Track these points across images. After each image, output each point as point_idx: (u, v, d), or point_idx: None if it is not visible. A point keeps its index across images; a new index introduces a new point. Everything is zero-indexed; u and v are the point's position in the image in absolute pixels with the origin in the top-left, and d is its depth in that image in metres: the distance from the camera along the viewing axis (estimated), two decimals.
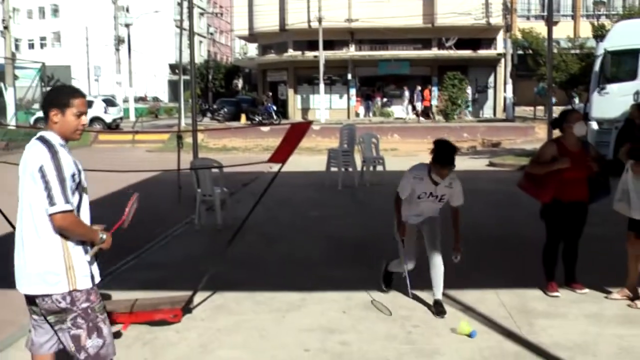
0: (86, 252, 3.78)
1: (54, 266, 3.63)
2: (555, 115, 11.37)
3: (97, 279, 3.86)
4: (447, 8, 38.03)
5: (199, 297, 6.47)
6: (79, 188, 3.76)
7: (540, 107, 37.12)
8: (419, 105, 41.09)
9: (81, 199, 3.79)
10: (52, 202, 3.53)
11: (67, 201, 3.56)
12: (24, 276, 3.70)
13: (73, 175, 3.66)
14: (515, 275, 7.36)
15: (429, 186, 6.20)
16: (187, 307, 6.20)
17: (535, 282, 6.88)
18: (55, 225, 3.58)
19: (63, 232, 3.63)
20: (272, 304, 6.59)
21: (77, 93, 3.80)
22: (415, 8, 39.84)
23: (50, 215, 3.55)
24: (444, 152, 6.01)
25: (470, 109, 40.77)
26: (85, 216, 3.83)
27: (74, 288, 3.67)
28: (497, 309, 6.34)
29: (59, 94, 3.82)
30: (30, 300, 3.80)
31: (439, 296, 6.28)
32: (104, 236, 3.86)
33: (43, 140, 3.66)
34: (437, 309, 6.20)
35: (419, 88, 41.35)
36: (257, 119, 37.12)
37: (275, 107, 39.37)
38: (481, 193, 14.00)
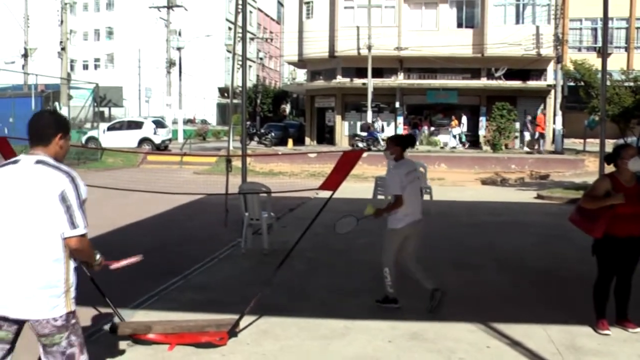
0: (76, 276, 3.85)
1: (57, 290, 3.67)
2: (607, 148, 11.20)
3: None
4: (497, 38, 37.89)
5: (245, 321, 6.50)
6: None
7: (590, 140, 36.57)
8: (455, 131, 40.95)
9: None
10: (73, 226, 3.61)
11: (86, 225, 3.69)
12: (18, 300, 3.62)
13: (85, 201, 3.76)
14: (565, 310, 7.24)
15: (407, 165, 7.40)
16: (233, 331, 6.23)
17: (585, 318, 6.74)
18: (72, 248, 3.65)
19: (76, 254, 3.72)
20: (317, 330, 6.59)
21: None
22: (465, 38, 39.80)
23: (69, 237, 3.62)
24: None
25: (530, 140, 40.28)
26: None
27: (70, 310, 3.76)
28: (546, 345, 6.22)
29: (66, 119, 3.93)
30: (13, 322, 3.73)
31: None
32: (100, 258, 4.05)
33: (52, 165, 3.69)
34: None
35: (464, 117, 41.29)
36: (360, 145, 36.64)
37: (381, 134, 38.44)
38: (529, 225, 13.86)
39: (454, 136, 41.10)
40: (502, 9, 39.87)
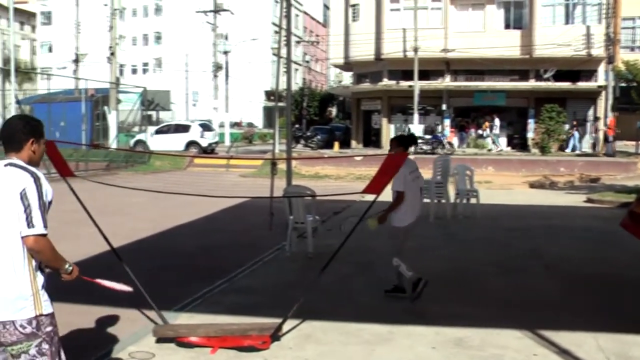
0: (45, 278, 3.76)
1: (24, 291, 3.60)
2: None
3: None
4: (546, 39, 37.28)
5: (288, 324, 6.47)
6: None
7: None
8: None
9: None
10: (30, 225, 3.54)
11: (45, 225, 3.59)
12: None
13: (50, 203, 3.71)
14: (615, 318, 7.04)
15: (411, 164, 7.71)
16: (275, 335, 6.20)
17: (638, 327, 6.54)
18: (28, 247, 3.58)
19: (34, 255, 3.62)
20: (360, 335, 6.52)
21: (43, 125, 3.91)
22: (513, 39, 39.26)
23: (25, 237, 3.56)
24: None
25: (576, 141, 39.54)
26: None
27: (40, 312, 3.65)
28: (595, 354, 6.05)
29: (39, 124, 3.85)
30: None
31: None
32: (70, 268, 3.83)
33: (19, 166, 3.67)
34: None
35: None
36: (424, 148, 36.45)
37: (445, 136, 38.19)
38: (578, 230, 13.58)
39: (487, 137, 40.54)
40: (551, 9, 39.22)
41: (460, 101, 42.17)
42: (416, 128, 38.79)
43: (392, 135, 42.85)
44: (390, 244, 7.93)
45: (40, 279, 3.69)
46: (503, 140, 41.04)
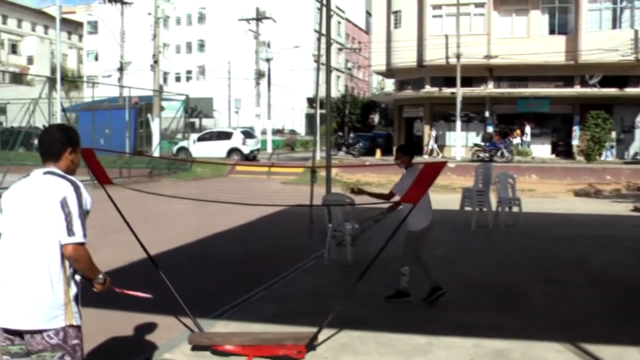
0: (77, 290, 3.76)
1: (57, 300, 3.61)
2: None
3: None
4: (591, 44, 36.67)
5: (324, 334, 6.40)
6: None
7: None
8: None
9: None
10: (70, 233, 3.57)
11: (84, 234, 3.63)
12: (15, 309, 3.58)
13: (88, 212, 3.74)
14: None
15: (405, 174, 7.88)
16: (311, 344, 6.14)
17: None
18: (67, 255, 3.59)
19: (72, 263, 3.64)
20: (397, 346, 6.43)
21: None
22: (558, 45, 38.72)
23: (65, 244, 3.57)
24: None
25: (613, 150, 38.88)
26: None
27: (70, 324, 3.65)
28: None
29: (76, 134, 3.88)
30: (12, 335, 3.67)
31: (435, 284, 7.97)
32: (103, 278, 3.84)
33: (59, 175, 3.70)
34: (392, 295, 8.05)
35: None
36: (481, 156, 36.16)
37: (505, 144, 37.58)
38: (624, 239, 13.27)
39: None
40: (598, 13, 38.62)
41: (503, 108, 41.69)
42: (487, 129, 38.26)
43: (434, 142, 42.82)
44: (403, 248, 8.03)
45: (73, 289, 3.70)
46: (545, 148, 40.38)
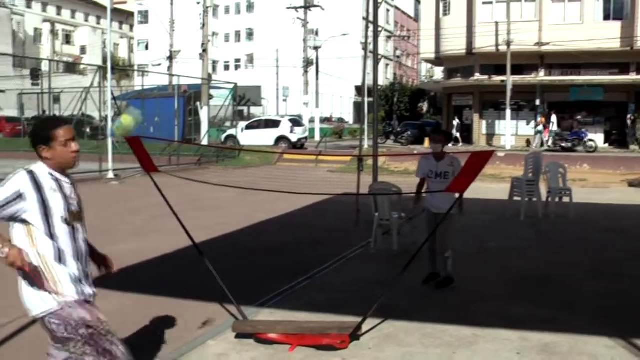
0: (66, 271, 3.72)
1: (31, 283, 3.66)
2: None
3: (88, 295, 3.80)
4: None
5: (368, 324, 6.35)
6: (64, 218, 3.71)
7: None
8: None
9: (72, 229, 3.76)
10: None
11: None
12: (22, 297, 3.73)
13: (16, 197, 3.58)
14: None
15: (432, 164, 8.01)
16: (355, 334, 6.11)
17: None
18: None
19: None
20: (442, 337, 6.35)
21: (58, 122, 3.81)
22: (613, 31, 37.79)
23: None
24: (433, 129, 8.69)
25: None
26: (66, 246, 3.72)
27: (58, 307, 3.66)
28: None
29: (41, 129, 3.78)
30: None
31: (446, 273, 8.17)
32: (5, 250, 3.55)
33: (28, 170, 3.67)
34: (442, 282, 8.16)
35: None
36: (563, 145, 35.67)
37: (586, 133, 36.85)
38: None
39: (537, 133, 39.14)
40: None
41: (555, 96, 40.93)
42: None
43: (484, 131, 42.35)
44: (447, 233, 8.12)
45: (55, 269, 3.68)
46: (599, 137, 39.37)
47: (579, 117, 39.16)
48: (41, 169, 3.70)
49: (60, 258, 3.67)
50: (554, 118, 39.21)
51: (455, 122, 42.50)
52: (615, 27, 38.10)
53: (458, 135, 41.56)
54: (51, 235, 3.65)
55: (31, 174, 3.64)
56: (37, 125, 3.92)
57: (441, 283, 8.17)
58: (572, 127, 37.83)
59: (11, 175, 3.62)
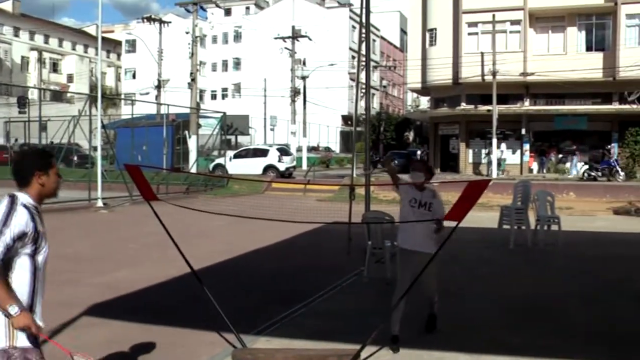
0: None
1: None
2: None
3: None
4: (630, 60, 36.32)
5: (367, 351, 6.37)
6: (33, 251, 3.59)
7: None
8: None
9: (33, 261, 3.60)
10: None
11: None
12: None
13: (21, 236, 3.48)
14: None
15: (416, 192, 7.49)
16: None
17: None
18: None
19: None
20: None
21: (52, 153, 3.86)
22: (595, 61, 38.40)
23: None
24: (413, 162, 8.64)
25: None
26: (23, 280, 3.56)
27: (12, 345, 3.46)
28: None
29: (41, 157, 3.75)
30: None
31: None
32: (16, 311, 3.40)
33: (11, 196, 3.57)
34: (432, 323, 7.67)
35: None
36: (593, 174, 35.71)
37: (617, 162, 36.08)
38: None
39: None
40: (636, 29, 38.32)
41: (540, 125, 41.41)
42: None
43: (470, 160, 42.65)
44: (437, 275, 7.81)
45: (13, 307, 3.43)
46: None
47: (608, 147, 39.30)
48: (26, 199, 3.61)
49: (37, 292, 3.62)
50: (503, 146, 40.09)
51: (419, 151, 42.87)
52: (598, 57, 38.74)
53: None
54: (35, 269, 3.60)
55: (25, 207, 3.54)
56: (35, 152, 3.91)
57: (431, 325, 7.75)
58: (603, 156, 37.98)
59: (4, 207, 3.51)
